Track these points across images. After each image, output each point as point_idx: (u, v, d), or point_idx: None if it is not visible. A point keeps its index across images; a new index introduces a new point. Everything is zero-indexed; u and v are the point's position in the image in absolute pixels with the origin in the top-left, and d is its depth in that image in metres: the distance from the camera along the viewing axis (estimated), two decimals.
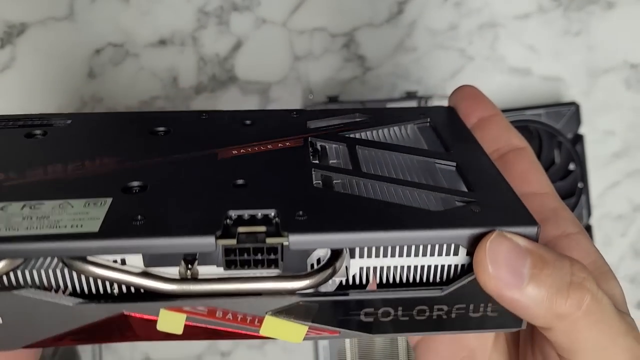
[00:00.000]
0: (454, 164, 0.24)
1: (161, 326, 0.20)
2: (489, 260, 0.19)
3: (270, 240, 0.19)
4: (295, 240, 0.19)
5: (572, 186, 0.45)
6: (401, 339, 0.46)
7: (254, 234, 0.19)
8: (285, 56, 0.47)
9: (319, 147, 0.25)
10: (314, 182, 0.22)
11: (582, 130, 0.46)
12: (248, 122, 0.27)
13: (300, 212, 0.20)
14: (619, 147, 0.48)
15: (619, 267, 0.50)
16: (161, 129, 0.26)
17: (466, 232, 0.19)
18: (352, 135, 0.26)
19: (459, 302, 0.20)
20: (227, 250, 0.19)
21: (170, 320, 0.20)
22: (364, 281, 0.21)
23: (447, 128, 0.27)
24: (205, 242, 0.19)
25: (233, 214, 0.20)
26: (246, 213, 0.20)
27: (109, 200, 0.21)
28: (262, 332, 0.21)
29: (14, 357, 0.25)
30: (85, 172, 0.23)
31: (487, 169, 0.23)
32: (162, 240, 0.19)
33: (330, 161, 0.25)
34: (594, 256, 0.23)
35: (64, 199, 0.21)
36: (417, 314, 0.21)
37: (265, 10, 0.46)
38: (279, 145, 0.24)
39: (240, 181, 0.22)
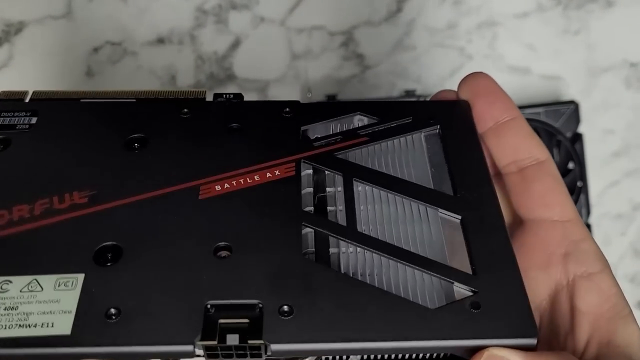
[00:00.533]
0: (459, 217, 0.22)
1: None
2: None
3: (252, 342, 0.18)
4: (277, 349, 0.18)
5: (571, 185, 0.45)
6: None
7: (235, 325, 0.18)
8: (283, 54, 0.47)
9: (312, 179, 0.23)
10: (303, 251, 0.20)
11: (582, 129, 0.45)
12: (234, 125, 0.24)
13: (286, 308, 0.18)
14: (618, 146, 0.48)
15: (618, 267, 0.49)
16: (136, 137, 0.24)
17: (462, 343, 0.18)
18: (349, 158, 0.24)
19: None
20: (209, 347, 0.18)
21: None
22: None
23: (458, 142, 0.24)
24: (184, 350, 0.18)
25: (214, 303, 0.19)
26: (228, 302, 0.19)
27: (81, 278, 0.19)
28: None
29: None
30: (52, 216, 0.21)
31: (496, 234, 0.21)
32: (138, 348, 0.18)
33: (328, 209, 0.23)
34: (614, 299, 0.21)
35: (32, 270, 0.19)
36: None
37: (264, 9, 0.46)
38: (268, 175, 0.22)
39: (223, 252, 0.20)
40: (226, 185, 0.22)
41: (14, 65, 0.45)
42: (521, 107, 0.45)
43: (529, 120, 0.44)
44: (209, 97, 0.26)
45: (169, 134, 0.23)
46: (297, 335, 0.18)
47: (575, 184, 0.45)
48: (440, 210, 0.22)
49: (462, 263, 0.21)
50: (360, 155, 0.24)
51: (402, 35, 0.47)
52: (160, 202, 0.21)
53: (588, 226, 0.46)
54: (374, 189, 0.23)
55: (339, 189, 0.23)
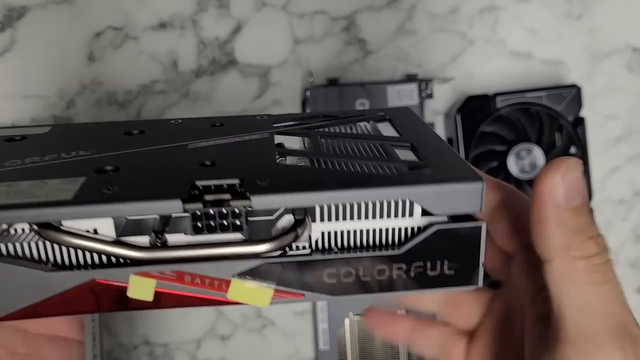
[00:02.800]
0: (409, 143, 0.24)
1: (132, 293, 0.21)
2: (561, 171, 0.20)
3: (234, 204, 0.20)
4: (257, 201, 0.20)
5: None
6: None
7: (219, 200, 0.20)
8: (285, 39, 0.47)
9: (283, 140, 0.26)
10: (278, 160, 0.23)
11: (584, 114, 0.45)
12: (217, 124, 0.28)
13: (264, 180, 0.21)
14: (620, 131, 0.48)
15: (619, 252, 0.49)
16: (135, 131, 0.27)
17: (421, 189, 0.20)
18: (315, 129, 0.27)
19: (416, 260, 0.21)
20: (194, 216, 0.20)
21: (140, 286, 0.21)
22: (326, 247, 0.22)
23: (404, 121, 0.28)
24: (173, 205, 0.19)
25: (200, 184, 0.20)
26: (212, 183, 0.20)
27: (83, 178, 0.21)
28: (229, 295, 0.21)
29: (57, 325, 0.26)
30: (61, 160, 0.23)
31: (439, 144, 0.24)
32: (131, 205, 0.19)
33: (295, 148, 0.26)
34: None
35: (40, 177, 0.21)
36: (378, 273, 0.22)
37: None
38: (246, 137, 0.25)
39: (207, 162, 0.22)
40: (211, 143, 0.25)
41: (16, 50, 0.45)
42: (523, 91, 0.45)
43: (531, 104, 0.44)
44: None
45: (162, 128, 0.28)
46: (274, 190, 0.20)
47: None
48: (392, 143, 0.25)
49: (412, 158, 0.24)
50: (323, 131, 0.27)
51: (403, 20, 0.47)
52: (152, 151, 0.24)
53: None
54: (337, 141, 0.25)
55: (306, 144, 0.26)
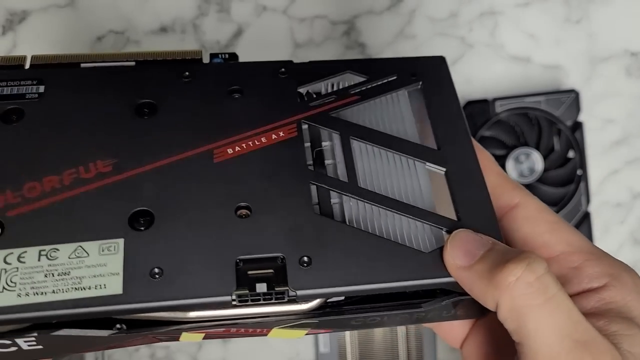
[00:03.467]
0: (444, 170, 0.25)
1: (182, 339, 0.22)
2: (448, 245, 0.22)
3: (279, 289, 0.21)
4: (301, 294, 0.21)
5: (571, 173, 0.45)
6: (400, 328, 0.46)
7: (262, 275, 0.21)
8: (286, 43, 0.47)
9: (314, 143, 0.25)
10: (313, 205, 0.23)
11: (582, 117, 0.46)
12: (236, 94, 0.25)
13: (305, 259, 0.22)
14: (618, 135, 0.48)
15: (617, 255, 0.50)
16: (146, 103, 0.25)
17: (446, 280, 0.22)
18: (343, 116, 0.26)
19: (435, 310, 0.23)
20: (241, 295, 0.21)
21: (190, 337, 0.22)
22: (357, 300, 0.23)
23: (438, 98, 0.26)
24: (223, 300, 0.21)
25: (243, 258, 0.22)
26: (256, 272, 0.21)
27: (122, 243, 0.21)
28: (269, 336, 0.23)
29: None
30: (82, 185, 0.23)
31: (475, 184, 0.24)
32: (184, 301, 0.21)
33: (326, 162, 0.25)
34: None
35: (74, 237, 0.21)
36: (399, 321, 0.24)
37: None
38: (273, 137, 0.24)
39: (243, 211, 0.22)
40: (237, 148, 0.24)
41: (17, 53, 0.46)
42: (522, 96, 0.45)
43: (529, 108, 0.44)
44: (205, 57, 0.27)
45: (175, 98, 0.25)
46: (316, 282, 0.21)
47: (575, 172, 0.45)
48: (427, 163, 0.25)
49: (448, 210, 0.24)
50: (352, 114, 0.26)
51: (403, 24, 0.47)
52: (179, 166, 0.23)
53: (587, 215, 0.46)
54: (368, 145, 0.25)
55: (337, 144, 0.25)
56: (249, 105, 0.25)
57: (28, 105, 0.24)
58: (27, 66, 0.25)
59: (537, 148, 0.44)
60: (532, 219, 0.25)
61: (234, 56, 0.26)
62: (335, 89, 0.27)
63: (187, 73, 0.25)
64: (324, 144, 0.25)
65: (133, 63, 0.26)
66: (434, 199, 0.24)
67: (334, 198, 0.24)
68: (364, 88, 0.26)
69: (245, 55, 0.47)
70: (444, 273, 0.22)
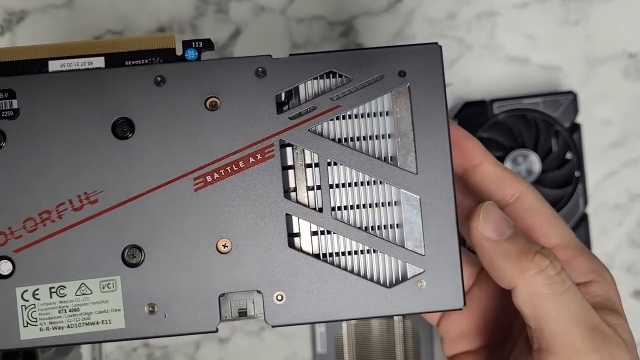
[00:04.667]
0: (418, 197, 0.26)
1: None
2: (481, 215, 0.24)
3: (256, 317, 0.25)
4: (275, 324, 0.25)
5: (568, 175, 0.45)
6: (398, 325, 0.46)
7: (243, 310, 0.25)
8: (284, 44, 0.47)
9: (292, 166, 0.26)
10: (288, 237, 0.25)
11: (580, 119, 0.46)
12: (211, 106, 0.25)
13: (279, 295, 0.25)
14: (616, 137, 0.48)
15: (614, 257, 0.50)
16: (122, 121, 0.25)
17: (410, 312, 0.25)
18: (323, 128, 0.26)
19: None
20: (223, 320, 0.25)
21: None
22: None
23: (426, 108, 0.26)
24: (210, 330, 0.25)
25: (225, 294, 0.25)
26: (236, 292, 0.25)
27: (119, 280, 0.24)
28: None
29: None
30: (74, 218, 0.24)
31: (446, 216, 0.25)
32: (176, 332, 0.25)
33: (304, 183, 0.26)
34: None
35: (76, 275, 0.24)
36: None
37: None
38: (251, 160, 0.25)
39: (224, 246, 0.25)
40: (215, 175, 0.25)
41: None
42: (519, 97, 0.45)
43: (527, 110, 0.44)
44: (178, 44, 0.26)
45: (150, 112, 0.25)
46: (289, 317, 0.25)
47: (573, 173, 0.45)
48: (402, 190, 0.26)
49: (417, 241, 0.26)
50: (334, 128, 0.26)
51: (401, 25, 0.47)
52: (162, 196, 0.25)
53: (585, 216, 0.46)
54: (347, 170, 0.26)
55: (315, 161, 0.26)
56: (225, 120, 0.25)
57: (7, 126, 0.24)
58: None
59: (535, 150, 0.44)
60: (533, 211, 0.26)
61: (208, 43, 0.26)
62: (316, 90, 0.26)
63: (159, 77, 0.25)
64: (307, 162, 0.26)
65: (102, 60, 0.25)
66: (405, 230, 0.26)
67: (307, 229, 0.26)
68: (346, 92, 0.25)
69: (243, 55, 0.47)
70: (405, 308, 0.25)
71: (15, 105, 0.24)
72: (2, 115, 0.24)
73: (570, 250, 0.26)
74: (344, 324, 0.47)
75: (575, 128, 0.45)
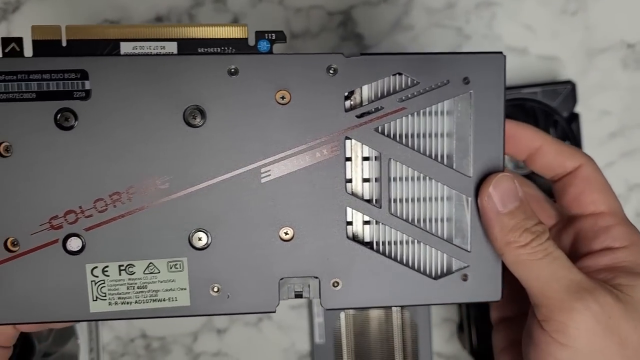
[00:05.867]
0: (469, 199, 0.27)
1: None
2: (492, 185, 0.26)
3: (311, 298, 0.27)
4: (329, 309, 0.27)
5: None
6: (396, 316, 0.46)
7: (299, 293, 0.27)
8: None
9: (349, 158, 0.27)
10: (347, 227, 0.27)
11: (578, 109, 0.46)
12: (281, 99, 0.25)
13: (336, 282, 0.26)
14: (614, 127, 0.48)
15: None
16: (193, 109, 0.25)
17: (452, 301, 0.27)
18: (388, 127, 0.26)
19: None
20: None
21: None
22: None
23: (485, 117, 0.26)
24: (270, 310, 0.26)
25: (284, 280, 0.26)
26: (294, 278, 0.26)
27: (185, 261, 0.26)
28: None
29: None
30: (144, 202, 0.25)
31: None
32: (237, 311, 0.26)
33: (364, 176, 0.27)
34: None
35: (145, 254, 0.25)
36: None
37: None
38: (317, 155, 0.26)
39: (286, 234, 0.26)
40: (282, 167, 0.26)
41: None
42: (518, 87, 0.45)
43: (526, 99, 0.44)
44: (251, 34, 0.26)
45: (222, 102, 0.25)
46: (343, 302, 0.27)
47: None
48: (455, 191, 0.27)
49: (464, 238, 0.27)
50: (397, 126, 0.27)
51: (400, 15, 0.47)
52: (229, 185, 0.25)
53: None
54: (404, 167, 0.27)
55: (375, 159, 0.27)
56: (295, 114, 0.25)
57: (78, 107, 0.24)
58: (63, 42, 0.25)
59: None
60: (588, 180, 0.29)
61: (281, 35, 0.25)
62: (383, 90, 0.26)
63: (232, 67, 0.25)
64: (364, 155, 0.27)
65: (175, 45, 0.25)
66: (454, 229, 0.27)
67: (360, 218, 0.27)
68: (413, 95, 0.26)
69: None
70: (449, 298, 0.27)
71: (87, 87, 0.24)
72: (75, 96, 0.24)
73: (614, 218, 0.28)
74: (342, 316, 0.47)
75: (574, 118, 0.45)
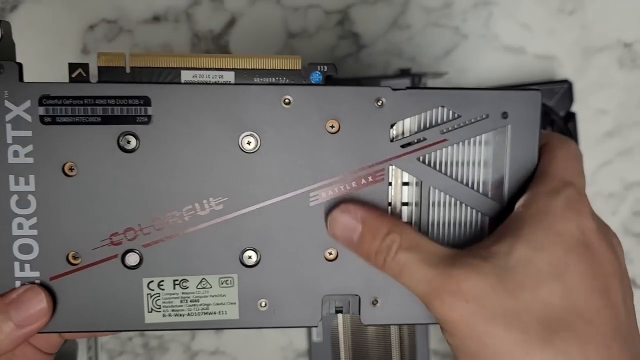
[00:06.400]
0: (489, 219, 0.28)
1: None
2: (330, 231, 0.27)
3: (351, 315, 0.29)
4: (369, 324, 0.28)
5: None
6: None
7: (339, 308, 0.28)
8: (279, 33, 0.47)
9: (390, 183, 0.28)
10: None
11: (575, 108, 0.46)
12: (331, 128, 0.27)
13: (375, 299, 0.28)
14: (611, 126, 0.48)
15: None
16: (250, 140, 0.26)
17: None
18: (429, 157, 0.27)
19: None
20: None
21: None
22: None
23: (520, 151, 0.28)
24: (313, 325, 0.28)
25: (327, 297, 0.28)
26: (337, 295, 0.28)
27: (236, 278, 0.27)
28: None
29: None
30: (199, 221, 0.26)
31: None
32: (283, 325, 0.28)
33: (404, 200, 0.28)
34: None
35: (199, 270, 0.27)
36: None
37: None
38: (362, 182, 0.27)
39: (330, 254, 0.27)
40: (330, 192, 0.27)
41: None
42: (515, 86, 0.45)
43: None
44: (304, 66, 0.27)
45: (276, 130, 0.27)
46: (382, 318, 0.28)
47: None
48: (489, 219, 0.28)
49: None
50: (437, 156, 0.28)
51: (397, 14, 0.47)
52: (280, 207, 0.27)
53: None
54: (442, 193, 0.28)
55: (415, 185, 0.28)
56: (343, 143, 0.27)
57: (140, 131, 0.26)
58: (127, 69, 0.26)
59: None
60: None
61: (332, 68, 0.27)
62: (426, 121, 0.27)
63: (286, 98, 0.26)
64: (404, 181, 0.28)
65: (232, 74, 0.26)
66: None
67: None
68: (454, 128, 0.27)
69: (239, 44, 0.47)
70: None
71: (149, 112, 0.26)
72: (137, 121, 0.26)
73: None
74: (339, 314, 0.47)
75: (571, 117, 0.45)
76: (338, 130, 0.27)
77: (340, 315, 0.47)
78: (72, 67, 0.25)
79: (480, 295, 0.23)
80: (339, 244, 0.27)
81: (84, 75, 0.25)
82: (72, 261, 0.26)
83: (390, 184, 0.28)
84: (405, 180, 0.28)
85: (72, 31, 0.46)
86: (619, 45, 0.48)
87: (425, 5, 0.47)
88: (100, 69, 0.26)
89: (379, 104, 0.27)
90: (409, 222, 0.28)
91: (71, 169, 0.26)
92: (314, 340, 0.47)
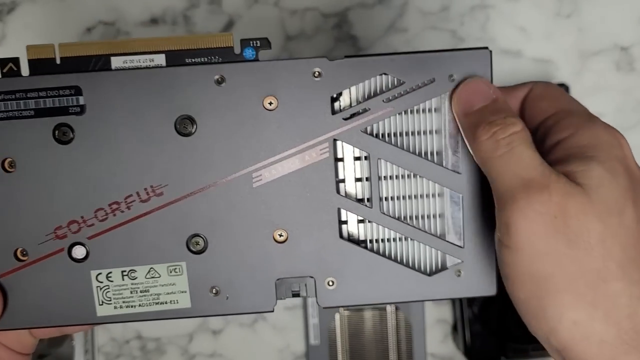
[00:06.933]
0: (461, 195, 0.27)
1: None
2: (459, 89, 0.26)
3: (308, 297, 0.27)
4: (325, 306, 0.27)
5: None
6: (391, 316, 0.47)
7: (296, 292, 0.27)
8: (277, 36, 0.47)
9: (341, 159, 0.27)
10: (340, 227, 0.27)
11: None
12: (269, 105, 0.26)
13: (330, 281, 0.27)
14: None
15: None
16: (184, 119, 0.26)
17: (446, 297, 0.28)
18: (376, 128, 0.27)
19: None
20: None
21: None
22: None
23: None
24: (268, 310, 0.27)
25: (281, 280, 0.27)
26: (290, 278, 0.27)
27: (184, 265, 0.26)
28: None
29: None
30: (141, 210, 0.26)
31: (485, 213, 0.27)
32: (237, 312, 0.27)
33: (355, 176, 0.27)
34: None
35: (146, 260, 0.26)
36: None
37: None
38: (306, 158, 0.26)
39: (280, 236, 0.27)
40: (273, 171, 0.26)
41: (6, 44, 0.45)
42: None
43: None
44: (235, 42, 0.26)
45: (211, 110, 0.26)
46: (338, 300, 0.27)
47: None
48: (446, 187, 0.27)
49: (457, 234, 0.27)
50: (385, 125, 0.27)
51: (395, 17, 0.47)
52: (223, 191, 0.26)
53: None
54: (394, 165, 0.27)
55: (365, 159, 0.27)
56: (283, 119, 0.26)
57: (74, 121, 0.26)
58: (57, 60, 0.26)
59: None
60: (538, 95, 0.28)
61: (265, 42, 0.26)
62: (369, 91, 0.26)
63: (219, 76, 0.25)
64: (356, 156, 0.27)
65: (163, 57, 0.26)
66: (447, 224, 0.27)
67: (355, 218, 0.27)
68: (399, 95, 0.26)
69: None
70: (444, 294, 0.27)
71: (81, 102, 0.25)
72: (70, 111, 0.25)
73: (562, 114, 0.26)
74: (337, 317, 0.47)
75: None
76: (277, 106, 0.26)
77: (337, 318, 0.47)
78: (3, 62, 0.25)
79: (570, 214, 0.22)
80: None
81: (15, 69, 0.25)
82: (20, 257, 0.26)
83: (341, 159, 0.27)
84: (357, 155, 0.27)
85: (69, 33, 0.46)
86: (616, 49, 0.48)
87: (422, 8, 0.47)
88: (30, 61, 0.25)
89: (316, 75, 0.26)
90: (363, 199, 0.27)
91: (11, 165, 0.26)
92: (311, 343, 0.47)
